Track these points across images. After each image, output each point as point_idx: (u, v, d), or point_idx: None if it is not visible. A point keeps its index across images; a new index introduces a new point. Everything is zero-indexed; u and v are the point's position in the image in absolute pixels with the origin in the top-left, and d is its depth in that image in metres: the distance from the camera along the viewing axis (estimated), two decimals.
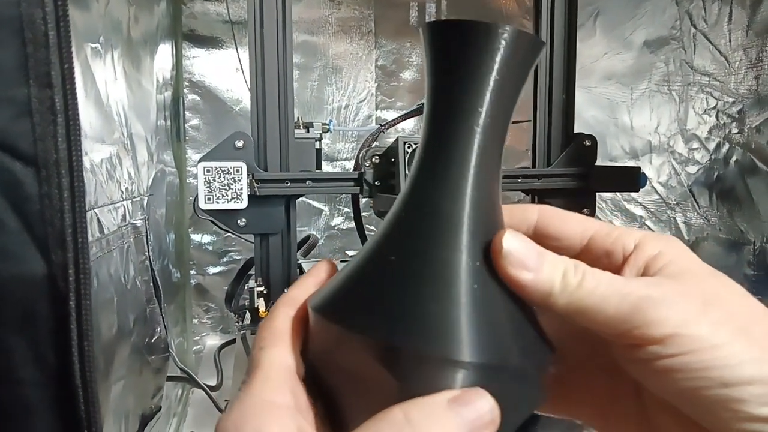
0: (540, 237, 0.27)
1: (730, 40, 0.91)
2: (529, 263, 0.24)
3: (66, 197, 0.31)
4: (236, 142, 0.75)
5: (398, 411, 0.21)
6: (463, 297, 0.23)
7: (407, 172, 0.79)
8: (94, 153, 0.64)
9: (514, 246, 0.24)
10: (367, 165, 0.81)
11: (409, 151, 0.80)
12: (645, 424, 0.26)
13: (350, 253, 1.20)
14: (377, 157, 0.81)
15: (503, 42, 0.24)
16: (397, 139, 0.83)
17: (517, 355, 0.23)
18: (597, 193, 0.85)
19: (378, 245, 0.25)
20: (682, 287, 0.23)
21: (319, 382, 0.25)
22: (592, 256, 0.26)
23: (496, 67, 0.24)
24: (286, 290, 0.27)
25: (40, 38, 0.31)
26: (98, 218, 0.62)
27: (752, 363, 0.21)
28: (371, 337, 0.23)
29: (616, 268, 0.25)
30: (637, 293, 0.22)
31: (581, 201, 0.83)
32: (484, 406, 0.22)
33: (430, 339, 0.22)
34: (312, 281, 0.28)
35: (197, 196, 0.74)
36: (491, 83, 0.24)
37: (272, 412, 0.23)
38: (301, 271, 0.99)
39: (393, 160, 0.81)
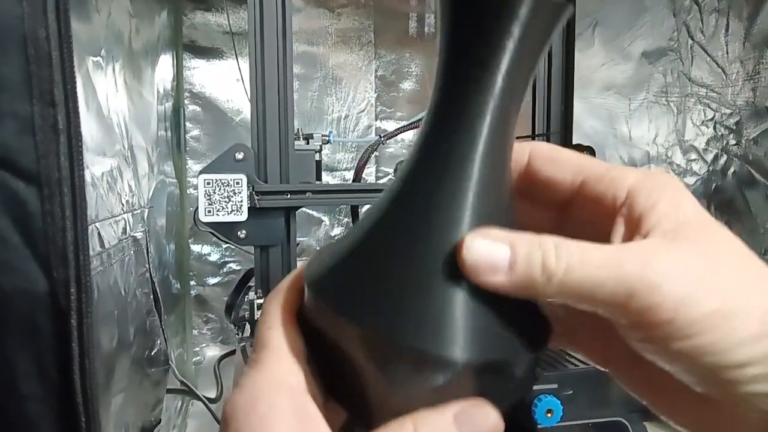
0: (531, 182, 0.27)
1: (727, 52, 0.91)
2: (498, 264, 0.22)
3: (68, 215, 0.31)
4: (236, 154, 0.76)
5: (409, 424, 0.22)
6: (453, 292, 0.22)
7: None
8: (95, 166, 0.65)
9: (478, 250, 0.22)
10: None
11: None
12: (645, 380, 0.26)
13: None
14: None
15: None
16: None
17: (508, 347, 0.23)
18: None
19: (375, 225, 0.24)
20: (676, 255, 0.22)
21: (314, 350, 0.25)
22: (584, 200, 0.26)
23: (517, 22, 0.22)
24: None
25: (43, 56, 0.31)
26: (99, 232, 0.62)
27: (750, 343, 0.21)
28: (360, 327, 0.22)
29: (608, 216, 0.24)
30: (631, 276, 0.21)
31: None
32: (487, 420, 0.22)
33: (423, 336, 0.21)
34: None
35: (197, 207, 0.74)
36: (511, 43, 0.22)
37: (285, 391, 0.23)
38: None
39: None
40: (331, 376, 0.25)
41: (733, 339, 0.21)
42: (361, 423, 0.24)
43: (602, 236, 0.24)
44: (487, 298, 0.22)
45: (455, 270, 0.22)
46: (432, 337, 0.21)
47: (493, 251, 0.22)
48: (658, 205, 0.23)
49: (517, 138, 0.25)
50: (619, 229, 0.24)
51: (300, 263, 0.28)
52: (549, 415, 0.58)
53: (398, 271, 0.23)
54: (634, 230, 0.23)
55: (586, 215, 0.26)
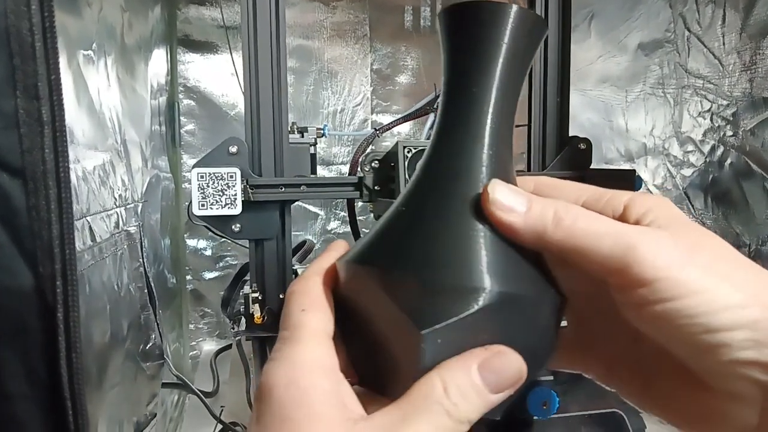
0: None
1: (723, 43, 0.91)
2: (517, 206, 0.25)
3: (53, 209, 0.31)
4: (230, 148, 0.75)
5: (437, 380, 0.23)
6: (476, 237, 0.25)
7: (407, 176, 0.79)
8: (86, 160, 0.64)
9: (501, 191, 0.25)
10: (367, 170, 0.81)
11: (409, 155, 0.80)
12: (643, 373, 0.28)
13: None
14: (377, 161, 0.81)
15: (510, 17, 0.27)
16: (396, 143, 0.83)
17: (532, 287, 0.25)
18: None
19: (401, 205, 0.27)
20: (670, 234, 0.24)
21: (348, 339, 0.27)
22: None
23: (505, 38, 0.27)
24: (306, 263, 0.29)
25: (27, 50, 0.30)
26: (90, 226, 0.62)
27: (734, 309, 0.22)
28: (397, 271, 0.25)
29: None
30: (630, 234, 0.24)
31: None
32: (511, 365, 0.24)
33: (449, 270, 0.24)
34: (334, 255, 0.29)
35: (191, 201, 0.74)
36: (502, 52, 0.27)
37: (322, 371, 0.25)
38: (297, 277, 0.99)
39: (393, 164, 0.81)
40: (361, 358, 0.27)
41: (718, 303, 0.22)
42: (390, 397, 0.25)
43: None
44: (509, 244, 0.25)
45: (481, 218, 0.25)
46: (461, 271, 0.24)
47: (514, 197, 0.25)
48: (653, 210, 0.25)
49: (516, 126, 0.29)
50: None
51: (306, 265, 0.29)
52: (545, 407, 0.58)
53: (429, 223, 0.26)
54: None
55: None
